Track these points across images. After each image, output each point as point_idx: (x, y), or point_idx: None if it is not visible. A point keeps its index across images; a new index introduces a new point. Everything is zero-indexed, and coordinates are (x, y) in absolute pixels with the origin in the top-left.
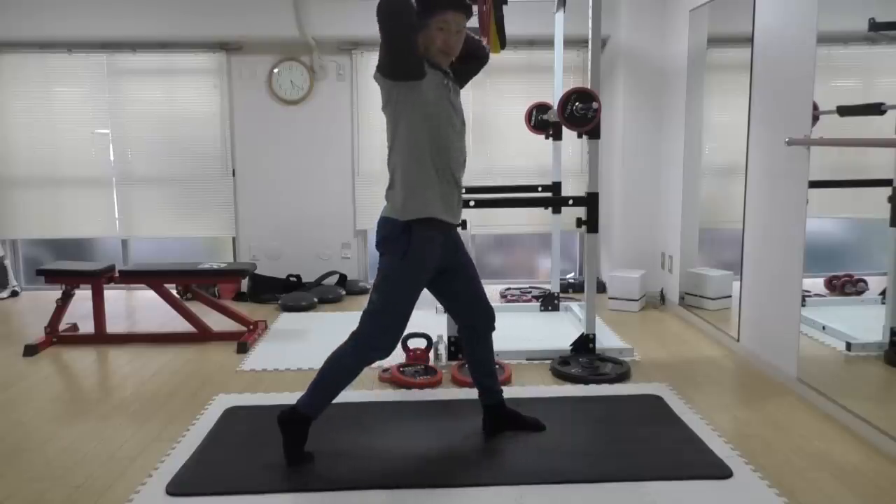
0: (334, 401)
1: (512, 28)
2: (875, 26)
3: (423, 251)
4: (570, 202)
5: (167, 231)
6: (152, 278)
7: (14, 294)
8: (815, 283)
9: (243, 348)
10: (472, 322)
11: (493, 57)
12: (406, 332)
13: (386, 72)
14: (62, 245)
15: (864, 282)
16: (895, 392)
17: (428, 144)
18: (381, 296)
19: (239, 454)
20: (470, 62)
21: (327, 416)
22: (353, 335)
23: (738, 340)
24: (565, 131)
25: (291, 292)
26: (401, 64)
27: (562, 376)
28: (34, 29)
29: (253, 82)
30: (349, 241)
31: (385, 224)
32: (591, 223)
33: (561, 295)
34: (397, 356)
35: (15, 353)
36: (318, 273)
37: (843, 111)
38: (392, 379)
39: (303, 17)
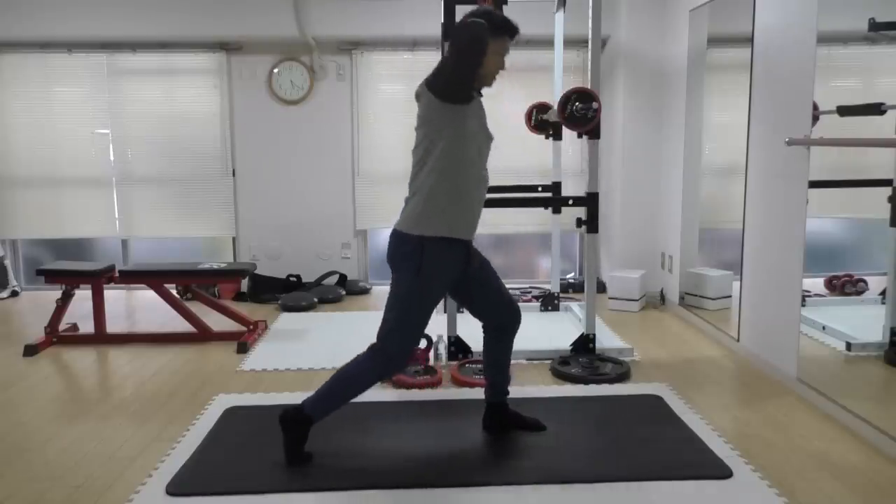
0: (322, 386)
1: None
2: (875, 26)
3: (436, 267)
4: (570, 202)
5: (167, 231)
6: (152, 278)
7: (14, 294)
8: (815, 283)
9: (243, 348)
10: (499, 321)
11: None
12: None
13: (444, 95)
14: (62, 245)
15: (864, 282)
16: (895, 392)
17: (463, 167)
18: (395, 313)
19: (239, 454)
20: None
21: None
22: (371, 349)
23: (738, 340)
24: (565, 131)
25: (291, 292)
26: (462, 89)
27: (562, 376)
28: (34, 29)
29: (253, 82)
30: (349, 241)
31: (397, 239)
32: (591, 223)
33: (561, 295)
34: None
35: (15, 353)
36: (318, 273)
37: (843, 111)
38: (392, 379)
39: (303, 17)
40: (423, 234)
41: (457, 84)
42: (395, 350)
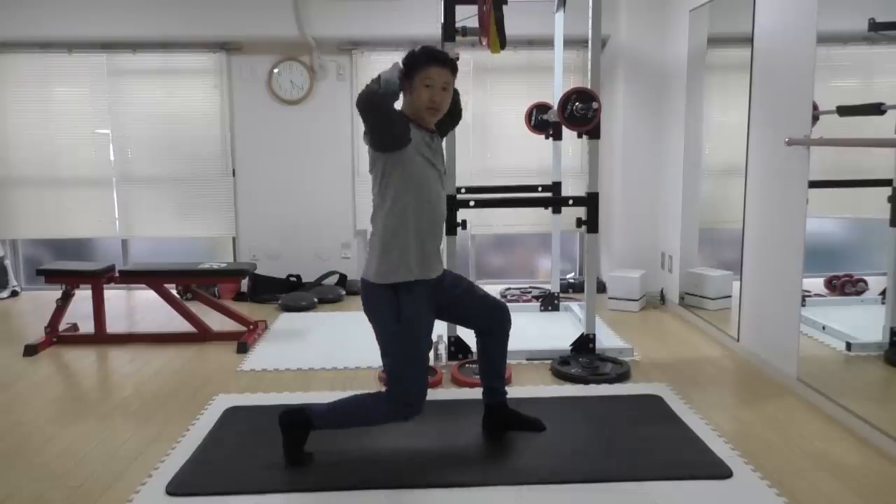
0: (336, 400)
1: (512, 28)
2: (875, 26)
3: (415, 309)
4: (570, 202)
5: (167, 231)
6: (152, 278)
7: (14, 294)
8: (815, 283)
9: (243, 348)
10: (490, 326)
11: (493, 57)
12: None
13: (374, 146)
14: (62, 245)
15: (864, 282)
16: (895, 392)
17: (415, 210)
18: (392, 361)
19: (239, 454)
20: (444, 119)
21: None
22: (387, 393)
23: (738, 340)
24: (565, 131)
25: (291, 292)
26: (386, 141)
27: (562, 376)
28: (34, 29)
29: (253, 82)
30: (349, 241)
31: (369, 289)
32: (591, 223)
33: (561, 295)
34: None
35: (15, 353)
36: (318, 273)
37: (843, 111)
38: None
39: (303, 17)
40: (395, 282)
41: (378, 136)
42: (408, 399)
